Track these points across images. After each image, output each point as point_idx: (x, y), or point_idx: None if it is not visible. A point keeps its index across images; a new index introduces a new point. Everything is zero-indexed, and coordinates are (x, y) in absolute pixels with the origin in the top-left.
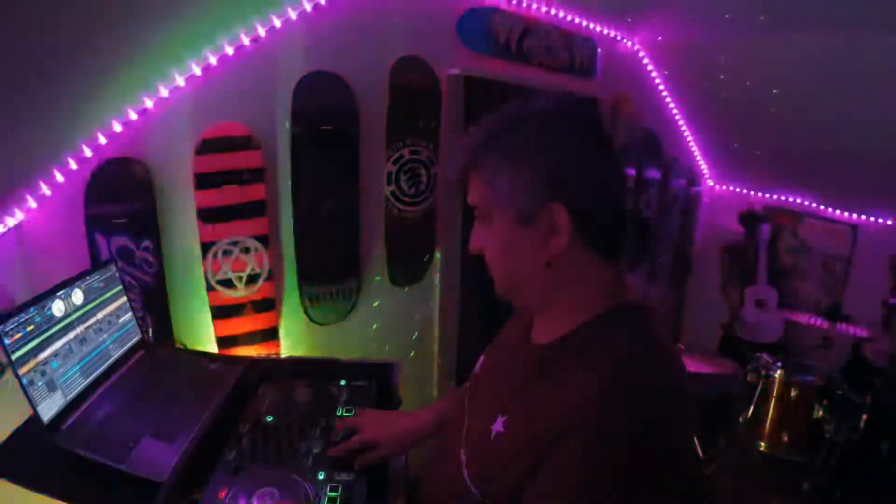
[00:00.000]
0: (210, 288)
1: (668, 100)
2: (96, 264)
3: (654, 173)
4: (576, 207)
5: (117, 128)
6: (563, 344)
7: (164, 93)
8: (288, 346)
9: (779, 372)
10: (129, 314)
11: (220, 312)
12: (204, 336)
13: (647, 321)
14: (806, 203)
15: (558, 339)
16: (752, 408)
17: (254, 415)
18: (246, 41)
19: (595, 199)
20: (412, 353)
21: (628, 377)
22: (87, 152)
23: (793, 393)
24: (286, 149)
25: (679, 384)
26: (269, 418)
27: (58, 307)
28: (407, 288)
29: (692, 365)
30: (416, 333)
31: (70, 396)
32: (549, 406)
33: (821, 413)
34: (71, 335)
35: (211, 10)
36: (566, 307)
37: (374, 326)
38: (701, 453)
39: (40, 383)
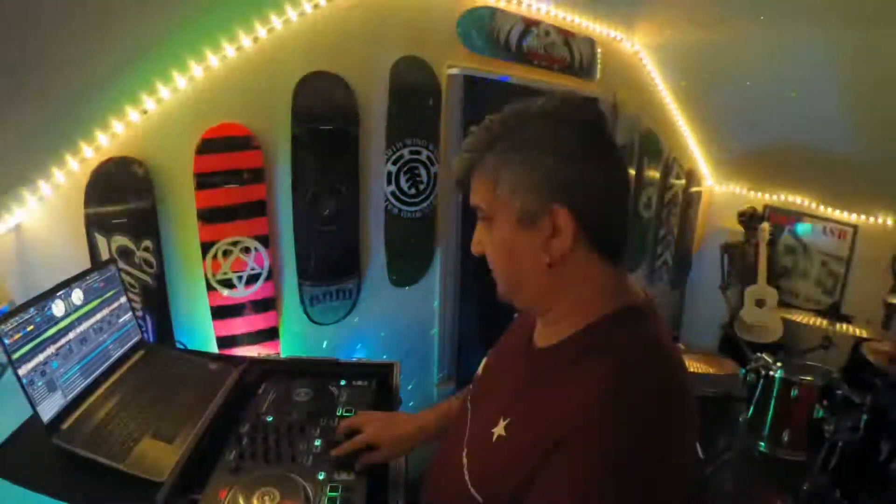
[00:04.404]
0: (210, 288)
1: (668, 100)
2: (96, 264)
3: (654, 173)
4: (578, 209)
5: (117, 128)
6: (565, 347)
7: (164, 93)
8: (288, 346)
9: (779, 372)
10: (129, 314)
11: (220, 312)
12: (204, 336)
13: (648, 323)
14: (806, 203)
15: (560, 341)
16: (752, 408)
17: (254, 415)
18: (246, 41)
19: (597, 200)
20: (412, 353)
21: (629, 379)
22: (87, 152)
23: (793, 393)
24: (286, 149)
25: (680, 386)
26: (269, 418)
27: (58, 307)
28: (407, 288)
29: (692, 365)
30: (416, 333)
31: (70, 396)
32: (550, 409)
33: (821, 413)
34: (71, 335)
35: (211, 10)
36: (568, 309)
37: (374, 326)
38: (701, 453)
39: (40, 383)
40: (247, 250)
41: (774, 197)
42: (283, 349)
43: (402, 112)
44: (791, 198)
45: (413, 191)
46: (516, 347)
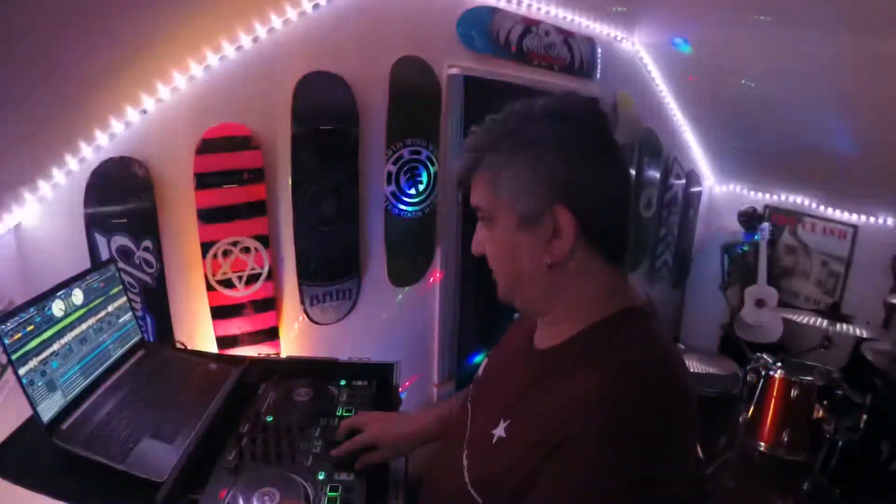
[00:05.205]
0: (210, 288)
1: (667, 100)
2: (96, 264)
3: (654, 173)
4: (579, 209)
5: (117, 128)
6: (566, 348)
7: (164, 93)
8: (288, 346)
9: (779, 372)
10: (129, 314)
11: (220, 312)
12: (204, 336)
13: (649, 324)
14: (806, 203)
15: (561, 343)
16: (752, 408)
17: (254, 415)
18: (246, 41)
19: (599, 201)
20: (412, 353)
21: (630, 381)
22: (87, 152)
23: (793, 393)
24: (286, 149)
25: (681, 387)
26: (269, 418)
27: (58, 307)
28: (407, 288)
29: (692, 365)
30: (416, 333)
31: (70, 396)
32: (551, 411)
33: (821, 413)
34: (71, 335)
35: (211, 10)
36: (569, 310)
37: (374, 326)
38: (701, 453)
39: (40, 383)
40: (247, 250)
41: (775, 197)
42: (283, 349)
43: (402, 112)
44: (791, 198)
45: (413, 191)
46: (517, 348)
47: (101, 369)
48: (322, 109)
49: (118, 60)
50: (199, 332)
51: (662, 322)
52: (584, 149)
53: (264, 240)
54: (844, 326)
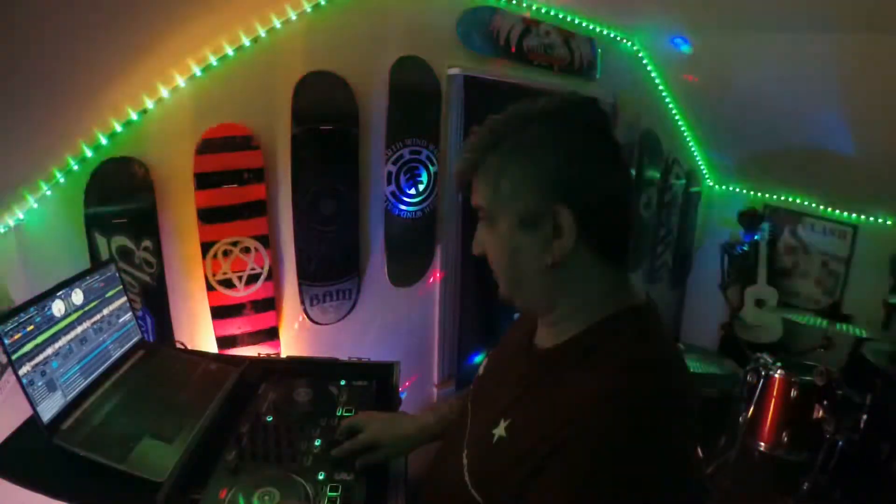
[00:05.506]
0: (210, 288)
1: (667, 100)
2: (96, 264)
3: (653, 173)
4: (580, 209)
5: (117, 128)
6: (567, 348)
7: (164, 93)
8: (288, 346)
9: (779, 372)
10: (129, 314)
11: (220, 312)
12: (204, 336)
13: (650, 325)
14: (806, 203)
15: (561, 343)
16: (752, 408)
17: (254, 415)
18: (246, 41)
19: (600, 200)
20: (412, 353)
21: (630, 381)
22: (87, 152)
23: (793, 393)
24: (286, 149)
25: (682, 388)
26: (269, 418)
27: (58, 307)
28: (407, 288)
29: (692, 365)
30: (416, 333)
31: (70, 396)
32: (551, 411)
33: (821, 413)
34: (71, 335)
35: (211, 10)
36: (570, 311)
37: (374, 326)
38: (701, 453)
39: (40, 383)
40: (247, 250)
41: (774, 197)
42: (283, 349)
43: (402, 112)
44: (791, 198)
45: (413, 191)
46: (517, 348)
47: (101, 369)
48: (322, 109)
49: (118, 61)
50: (199, 332)
51: (663, 322)
52: (585, 149)
53: (264, 240)
54: (844, 326)
